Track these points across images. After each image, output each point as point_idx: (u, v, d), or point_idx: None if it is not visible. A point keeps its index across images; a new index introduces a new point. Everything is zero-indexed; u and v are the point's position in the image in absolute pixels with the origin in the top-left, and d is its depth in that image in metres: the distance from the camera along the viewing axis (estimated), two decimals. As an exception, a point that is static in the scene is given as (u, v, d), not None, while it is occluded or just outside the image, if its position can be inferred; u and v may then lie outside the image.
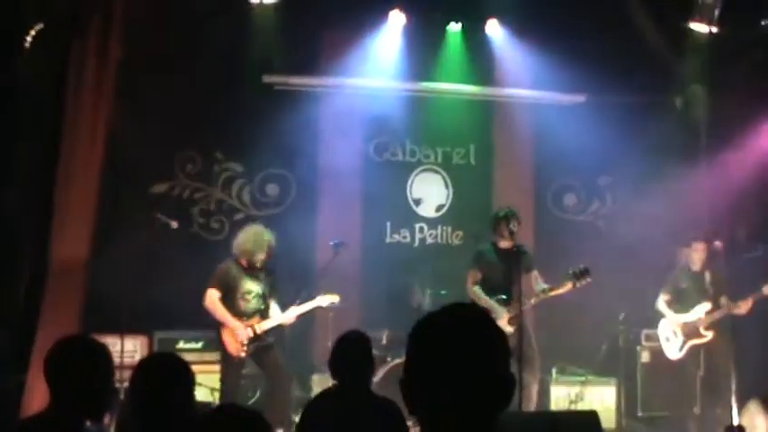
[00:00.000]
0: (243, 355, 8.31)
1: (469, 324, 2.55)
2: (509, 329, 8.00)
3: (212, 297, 8.32)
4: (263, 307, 8.48)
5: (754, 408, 7.81)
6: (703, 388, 9.12)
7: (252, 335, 8.32)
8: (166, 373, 4.07)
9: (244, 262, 8.47)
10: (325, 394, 5.03)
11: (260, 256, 8.44)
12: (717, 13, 8.32)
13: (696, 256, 9.27)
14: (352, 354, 5.08)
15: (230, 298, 8.39)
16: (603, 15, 9.99)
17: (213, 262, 9.70)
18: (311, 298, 8.63)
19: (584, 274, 7.93)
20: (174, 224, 8.49)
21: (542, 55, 10.34)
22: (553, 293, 8.06)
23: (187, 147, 10.30)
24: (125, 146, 9.15)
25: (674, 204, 10.70)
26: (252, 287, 8.45)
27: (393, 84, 10.66)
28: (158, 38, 9.33)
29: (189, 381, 4.12)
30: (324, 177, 10.60)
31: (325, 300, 8.65)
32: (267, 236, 8.54)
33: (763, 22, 8.72)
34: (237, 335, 8.26)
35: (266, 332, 8.43)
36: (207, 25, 9.66)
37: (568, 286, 7.98)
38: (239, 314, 8.35)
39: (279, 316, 8.48)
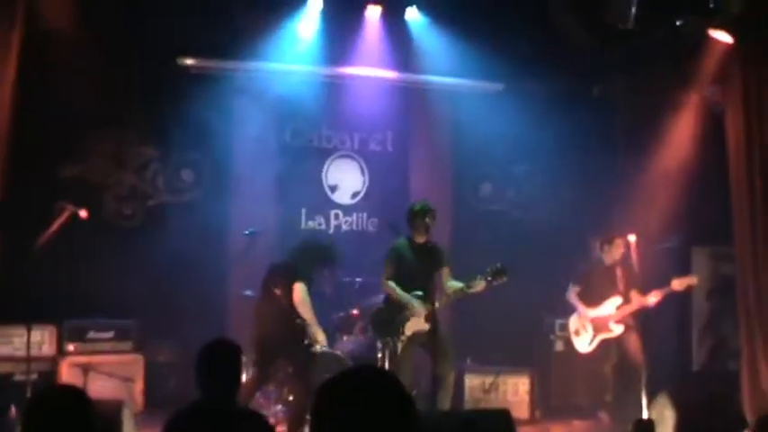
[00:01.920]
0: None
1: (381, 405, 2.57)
2: (426, 326, 7.99)
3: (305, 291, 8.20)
4: None
5: (662, 401, 7.93)
6: (615, 377, 9.21)
7: None
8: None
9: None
10: (190, 408, 4.69)
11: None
12: (633, 12, 8.36)
13: (616, 252, 9.29)
14: (218, 363, 4.76)
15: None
16: (523, 4, 9.97)
17: (126, 249, 9.58)
18: None
19: (500, 273, 7.84)
20: (83, 213, 8.21)
21: (461, 42, 10.23)
22: (467, 293, 7.99)
23: (99, 130, 10.02)
24: (32, 127, 8.87)
25: (589, 193, 10.84)
26: None
27: (310, 68, 10.51)
28: (71, 15, 9.06)
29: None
30: (239, 163, 10.45)
31: None
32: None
33: (677, 23, 8.82)
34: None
35: None
36: (122, 4, 9.43)
37: (482, 285, 7.93)
38: None
39: None
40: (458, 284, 8.05)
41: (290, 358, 8.29)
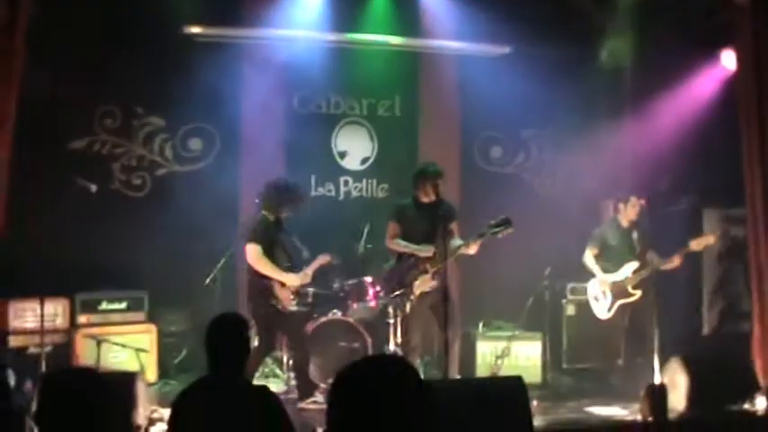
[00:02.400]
0: (295, 307, 8.29)
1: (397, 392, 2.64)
2: (434, 283, 8.01)
3: (255, 252, 8.13)
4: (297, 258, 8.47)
5: (675, 365, 7.96)
6: (627, 341, 9.20)
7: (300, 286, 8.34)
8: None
9: (272, 216, 8.32)
10: (196, 385, 4.74)
11: (285, 211, 8.36)
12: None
13: (632, 211, 9.17)
14: (224, 339, 4.77)
15: (270, 252, 8.21)
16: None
17: (135, 219, 9.59)
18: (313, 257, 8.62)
19: (504, 224, 7.80)
20: (94, 188, 8.20)
21: (468, 6, 10.17)
22: (460, 253, 7.99)
23: (106, 101, 9.97)
24: (39, 101, 8.83)
25: (598, 157, 10.80)
26: (282, 240, 8.36)
27: (317, 35, 10.43)
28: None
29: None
30: (247, 131, 10.41)
31: (325, 258, 8.63)
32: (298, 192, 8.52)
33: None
34: (290, 285, 8.20)
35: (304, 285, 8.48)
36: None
37: (475, 248, 7.90)
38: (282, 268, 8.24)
39: (302, 275, 8.38)
40: (456, 243, 8.02)
41: (274, 324, 8.33)
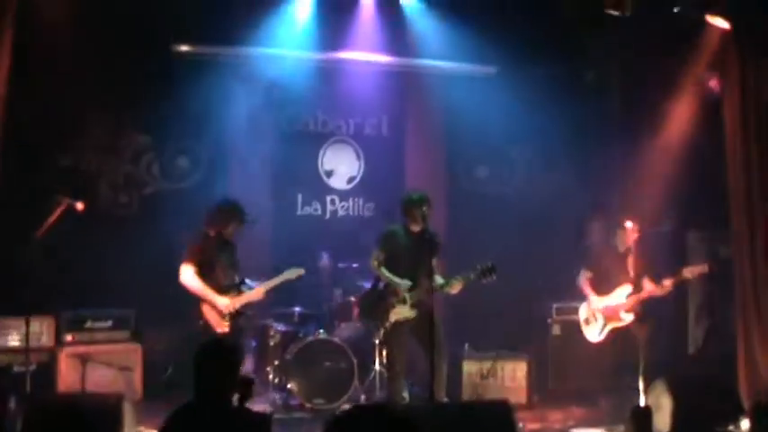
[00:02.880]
0: (226, 329, 8.00)
1: None
2: (410, 314, 8.04)
3: (188, 272, 8.00)
4: (238, 280, 8.28)
5: (659, 387, 7.97)
6: (613, 363, 9.21)
7: (233, 310, 8.08)
8: None
9: (213, 233, 8.20)
10: (183, 409, 4.70)
11: (229, 230, 8.23)
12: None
13: (631, 236, 9.08)
14: (211, 364, 4.77)
15: (207, 273, 8.07)
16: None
17: (122, 237, 9.57)
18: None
19: (489, 271, 7.85)
20: (80, 206, 8.17)
21: (455, 26, 10.22)
22: (449, 290, 8.02)
23: (94, 118, 9.96)
24: (26, 117, 8.84)
25: (585, 176, 10.88)
26: (224, 260, 8.20)
27: (305, 53, 10.48)
28: (64, 3, 8.97)
29: None
30: (234, 149, 10.44)
31: (293, 273, 8.40)
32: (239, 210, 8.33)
33: (675, 9, 8.80)
34: (220, 308, 8.01)
35: (247, 306, 8.25)
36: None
37: (458, 287, 7.94)
38: (218, 289, 8.07)
39: (251, 293, 8.22)
40: (439, 281, 8.05)
41: None
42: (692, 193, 10.01)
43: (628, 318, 9.04)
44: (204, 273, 8.03)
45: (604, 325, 9.17)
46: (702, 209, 10.01)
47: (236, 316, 8.10)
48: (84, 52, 9.30)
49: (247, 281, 8.35)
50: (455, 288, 7.96)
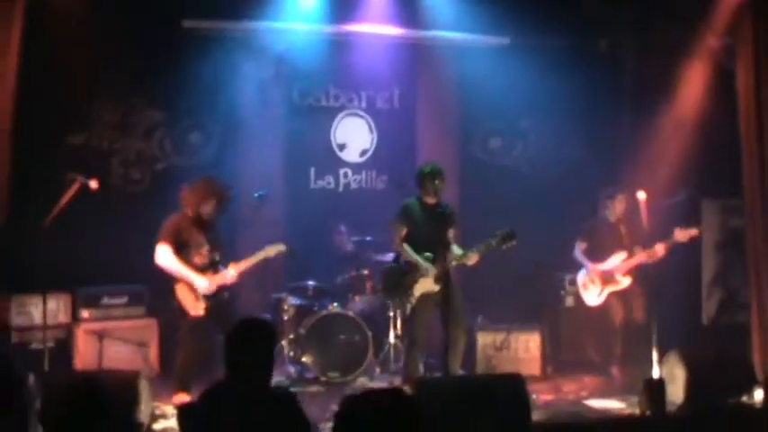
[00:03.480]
0: (202, 312, 7.92)
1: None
2: (435, 287, 8.04)
3: (164, 252, 7.92)
4: (215, 260, 8.15)
5: (673, 359, 8.00)
6: (624, 332, 9.24)
7: (213, 289, 7.99)
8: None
9: (190, 214, 8.10)
10: (213, 392, 4.69)
11: (205, 208, 8.10)
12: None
13: (619, 207, 9.37)
14: (248, 343, 4.72)
15: (185, 253, 8.00)
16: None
17: (135, 214, 9.61)
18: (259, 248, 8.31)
19: (509, 237, 7.86)
20: (94, 184, 8.17)
21: (467, -4, 10.24)
22: (467, 261, 8.04)
23: (104, 95, 9.95)
24: (38, 96, 8.87)
25: (597, 148, 10.86)
26: (201, 239, 8.09)
27: (315, 27, 10.42)
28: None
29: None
30: (246, 124, 10.39)
31: (272, 249, 8.30)
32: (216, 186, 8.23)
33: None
34: (197, 287, 7.91)
35: (222, 288, 8.11)
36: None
37: (475, 258, 7.95)
38: (194, 268, 7.98)
39: (225, 272, 8.09)
40: (457, 252, 8.07)
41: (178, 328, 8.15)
42: (706, 163, 9.97)
43: (625, 281, 9.22)
44: (180, 252, 7.95)
45: (602, 288, 9.31)
46: (717, 179, 9.98)
47: (212, 298, 8.01)
48: (94, 30, 9.30)
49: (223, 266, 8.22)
50: (472, 259, 7.99)
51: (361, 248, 9.87)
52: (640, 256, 9.06)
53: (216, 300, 8.04)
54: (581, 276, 9.58)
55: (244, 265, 8.19)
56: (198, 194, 8.10)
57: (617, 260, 9.27)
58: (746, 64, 8.89)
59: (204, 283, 7.95)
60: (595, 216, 9.72)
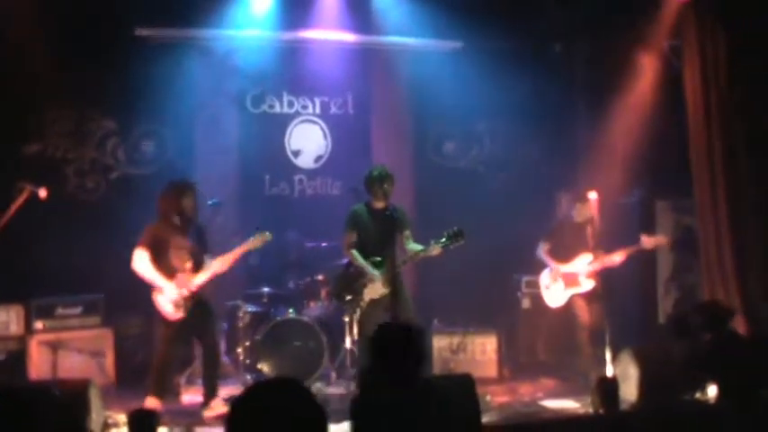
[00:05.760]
0: (183, 315, 7.89)
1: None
2: (384, 291, 8.04)
3: (140, 258, 7.89)
4: (196, 262, 8.09)
5: (626, 357, 8.05)
6: (580, 334, 9.25)
7: (186, 293, 7.93)
8: None
9: (168, 219, 8.07)
10: (368, 396, 4.83)
11: (186, 202, 8.07)
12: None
13: (587, 209, 9.16)
14: (393, 350, 4.75)
15: (161, 256, 7.97)
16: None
17: (90, 223, 9.57)
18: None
19: (457, 236, 7.84)
20: (43, 193, 8.10)
21: (418, 2, 10.26)
22: (422, 256, 8.01)
23: (58, 105, 9.94)
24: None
25: (552, 150, 10.96)
26: (182, 243, 8.05)
27: (268, 33, 10.46)
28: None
29: None
30: (200, 132, 10.45)
31: (257, 239, 8.18)
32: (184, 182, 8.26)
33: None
34: (168, 293, 7.88)
35: (201, 288, 8.05)
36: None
37: (438, 250, 7.93)
38: (172, 273, 7.95)
39: (212, 265, 8.06)
40: (416, 248, 8.07)
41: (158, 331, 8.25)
42: (658, 164, 10.04)
43: (588, 284, 9.12)
44: (157, 257, 7.93)
45: (564, 290, 9.24)
46: (669, 179, 10.04)
47: (190, 300, 7.98)
48: (46, 38, 9.28)
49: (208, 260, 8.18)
50: (435, 251, 7.92)
51: (316, 254, 9.86)
52: (601, 262, 8.99)
53: (194, 302, 8.01)
54: (544, 277, 9.52)
55: (232, 255, 8.15)
56: (170, 197, 8.10)
57: (583, 262, 9.18)
58: (692, 64, 9.02)
59: (171, 289, 7.89)
60: (557, 217, 9.74)
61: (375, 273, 8.07)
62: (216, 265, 8.08)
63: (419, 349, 4.77)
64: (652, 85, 10.09)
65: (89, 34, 9.61)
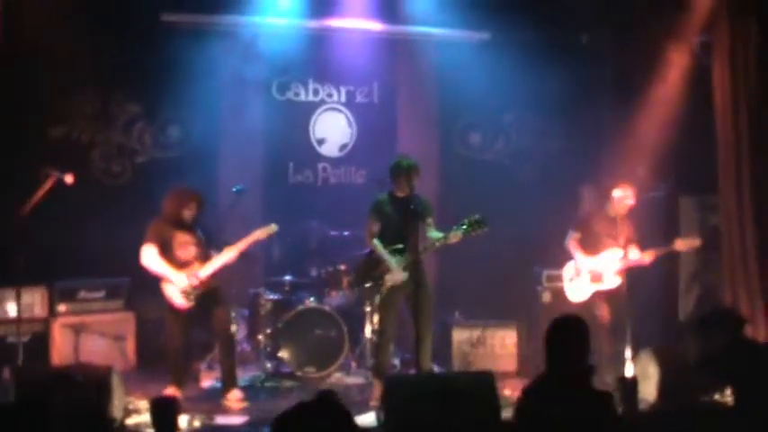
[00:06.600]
0: (191, 304, 8.04)
1: None
2: (404, 278, 8.04)
3: (148, 253, 8.05)
4: (202, 253, 8.23)
5: (646, 357, 8.02)
6: (602, 331, 9.16)
7: (195, 282, 8.08)
8: None
9: (171, 218, 8.20)
10: (535, 386, 4.94)
11: (187, 212, 8.20)
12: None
13: (622, 203, 8.95)
14: (561, 342, 4.94)
15: (168, 250, 8.11)
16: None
17: (115, 207, 9.62)
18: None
19: (479, 223, 7.81)
20: (69, 178, 8.16)
21: (447, -10, 10.25)
22: (442, 243, 7.94)
23: (85, 89, 9.99)
24: (18, 90, 8.86)
25: (578, 142, 10.90)
26: (185, 237, 8.20)
27: (295, 21, 10.46)
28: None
29: None
30: (225, 117, 10.47)
31: (263, 231, 8.34)
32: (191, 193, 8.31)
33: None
34: (177, 284, 8.02)
35: (211, 277, 8.17)
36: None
37: (459, 236, 7.91)
38: (178, 265, 8.10)
39: (220, 257, 8.18)
40: (437, 235, 8.05)
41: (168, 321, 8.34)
42: (685, 159, 9.96)
43: (614, 281, 8.89)
44: (164, 251, 8.08)
45: (589, 286, 9.05)
46: (695, 174, 9.96)
47: (199, 289, 8.10)
48: (74, 23, 9.30)
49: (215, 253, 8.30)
50: (456, 237, 7.92)
51: (338, 243, 9.87)
52: (634, 259, 8.80)
53: (203, 292, 8.12)
54: (568, 269, 9.30)
55: (240, 245, 8.25)
56: (174, 203, 8.22)
57: (612, 257, 8.93)
58: (722, 60, 8.91)
59: (181, 279, 8.03)
60: (581, 210, 9.68)
61: (394, 262, 8.06)
62: (224, 256, 8.19)
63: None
64: (680, 78, 9.97)
65: (116, 19, 9.66)
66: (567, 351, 4.86)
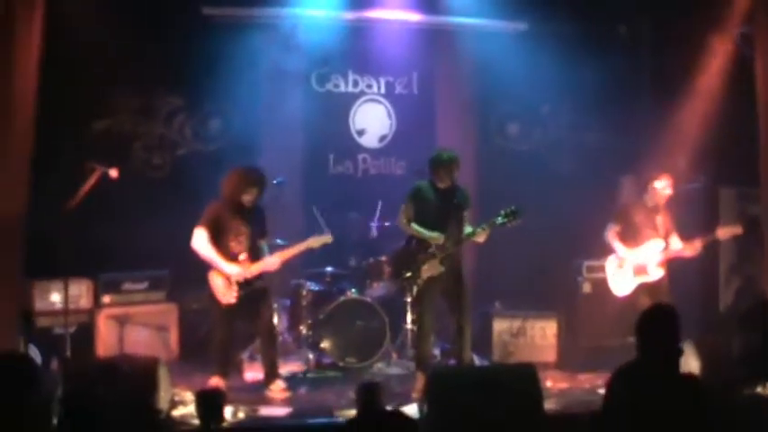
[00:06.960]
0: (233, 300, 8.03)
1: None
2: (441, 268, 8.06)
3: (200, 237, 8.03)
4: (253, 249, 8.22)
5: (687, 350, 7.98)
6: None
7: (247, 276, 8.09)
8: None
9: (230, 202, 8.15)
10: (625, 371, 5.00)
11: (247, 197, 8.14)
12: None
13: (661, 193, 8.96)
14: (653, 330, 4.95)
15: (221, 238, 8.10)
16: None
17: (156, 199, 9.71)
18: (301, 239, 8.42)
19: (514, 214, 7.80)
20: (114, 173, 8.28)
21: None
22: (479, 238, 7.99)
23: (127, 82, 10.04)
24: (60, 84, 8.94)
25: (616, 134, 10.86)
26: (241, 228, 8.15)
27: (334, 13, 10.50)
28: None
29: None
30: (265, 109, 10.53)
31: (317, 240, 8.38)
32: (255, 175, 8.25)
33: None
34: (228, 275, 8.01)
35: (257, 276, 8.19)
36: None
37: (483, 236, 7.91)
38: (229, 256, 8.08)
39: (269, 261, 8.20)
40: (468, 230, 8.07)
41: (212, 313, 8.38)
42: (724, 150, 9.92)
43: (658, 273, 8.89)
44: (216, 239, 8.05)
45: (632, 279, 9.00)
46: (735, 166, 9.91)
47: (245, 285, 8.10)
48: (116, 17, 9.38)
49: (266, 250, 8.34)
50: (481, 237, 7.96)
51: (378, 234, 9.91)
52: (678, 250, 8.84)
53: (249, 288, 8.14)
54: (611, 263, 9.22)
55: (288, 253, 8.31)
56: (233, 184, 8.14)
57: (654, 249, 8.91)
58: (764, 51, 8.83)
59: (233, 270, 8.03)
60: (620, 201, 9.65)
61: (437, 235, 8.07)
62: (271, 261, 8.20)
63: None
64: (720, 69, 9.92)
65: (158, 13, 9.71)
66: (658, 338, 4.90)
